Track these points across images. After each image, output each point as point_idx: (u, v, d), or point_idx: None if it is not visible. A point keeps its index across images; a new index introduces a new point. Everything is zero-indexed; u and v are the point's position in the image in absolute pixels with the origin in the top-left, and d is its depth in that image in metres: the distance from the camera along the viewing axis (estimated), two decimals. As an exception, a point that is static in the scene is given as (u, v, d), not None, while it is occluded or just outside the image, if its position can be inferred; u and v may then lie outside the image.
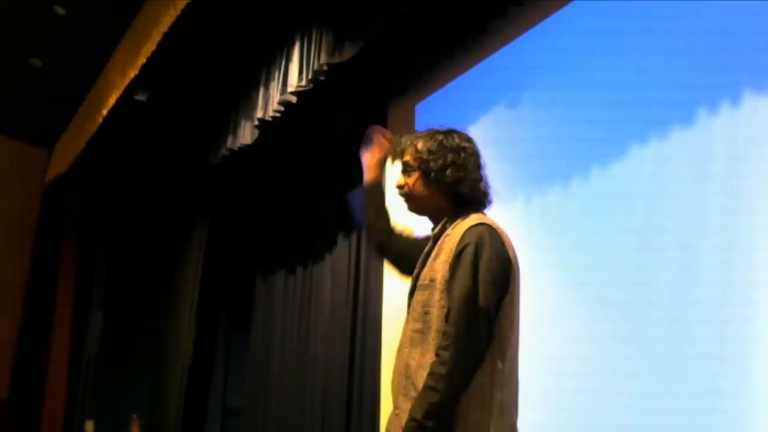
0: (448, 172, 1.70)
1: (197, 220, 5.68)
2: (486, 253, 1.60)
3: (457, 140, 1.76)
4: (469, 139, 1.80)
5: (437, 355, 1.55)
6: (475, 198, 1.74)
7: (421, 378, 1.60)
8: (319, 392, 4.38)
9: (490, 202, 1.80)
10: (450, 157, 1.72)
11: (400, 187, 1.80)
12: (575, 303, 2.70)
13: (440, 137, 1.76)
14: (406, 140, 1.80)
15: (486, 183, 1.78)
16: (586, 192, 2.78)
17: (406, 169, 1.78)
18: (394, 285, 3.68)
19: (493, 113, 3.36)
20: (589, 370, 2.55)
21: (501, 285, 1.61)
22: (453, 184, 1.71)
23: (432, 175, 1.72)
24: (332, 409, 4.24)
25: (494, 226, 1.69)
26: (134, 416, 5.46)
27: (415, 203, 1.79)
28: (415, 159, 1.75)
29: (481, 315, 1.56)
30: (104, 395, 5.98)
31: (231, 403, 5.94)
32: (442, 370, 1.52)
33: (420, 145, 1.75)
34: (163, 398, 5.56)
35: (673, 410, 2.26)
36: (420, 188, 1.76)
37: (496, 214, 1.83)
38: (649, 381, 2.36)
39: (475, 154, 1.78)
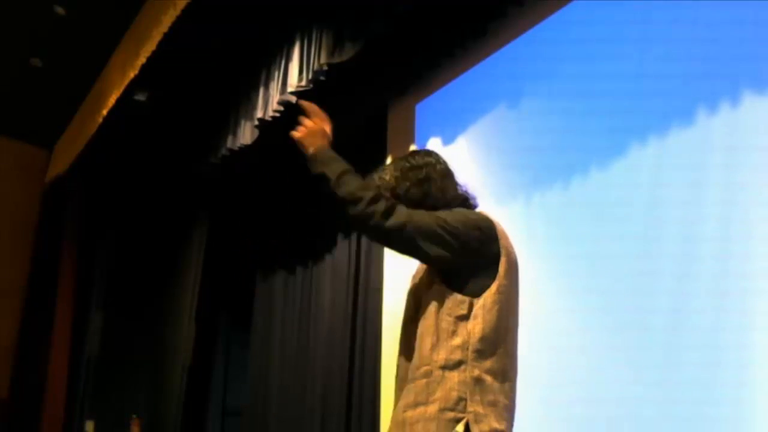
0: (413, 190, 1.78)
1: (197, 220, 5.68)
2: (461, 216, 1.66)
3: (417, 158, 1.85)
4: (430, 153, 1.89)
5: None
6: (448, 204, 1.78)
7: (412, 361, 1.64)
8: (319, 392, 4.38)
9: (474, 200, 1.84)
10: (412, 175, 1.80)
11: None
12: (574, 295, 2.70)
13: (402, 162, 1.85)
14: (374, 180, 1.87)
15: (459, 186, 1.83)
16: (586, 190, 2.79)
17: None
18: (395, 285, 3.68)
19: (493, 113, 3.36)
20: (587, 375, 2.55)
21: (456, 238, 1.62)
22: (421, 200, 1.77)
23: (402, 200, 1.77)
24: (332, 409, 4.24)
25: (486, 214, 1.74)
26: (134, 416, 5.46)
27: None
28: (386, 191, 1.82)
29: (411, 223, 1.61)
30: (104, 395, 5.98)
31: (231, 403, 5.95)
32: (362, 197, 1.62)
33: (387, 177, 1.83)
34: (163, 398, 5.56)
35: (671, 416, 2.26)
36: None
37: (495, 210, 1.84)
38: (646, 386, 2.36)
39: (439, 163, 1.84)
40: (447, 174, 1.83)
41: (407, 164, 1.83)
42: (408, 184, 1.78)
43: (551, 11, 3.06)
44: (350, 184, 1.63)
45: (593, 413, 2.49)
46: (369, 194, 1.62)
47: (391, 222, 1.60)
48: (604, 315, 2.56)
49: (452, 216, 1.65)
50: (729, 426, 2.11)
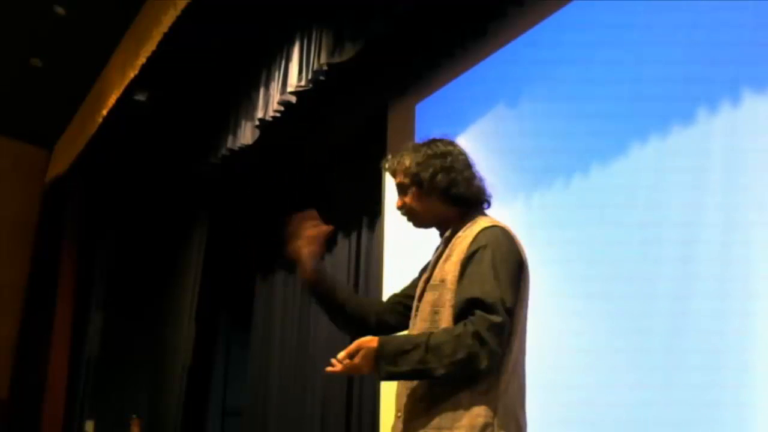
0: (439, 177, 1.72)
1: (197, 220, 5.68)
2: (503, 255, 1.60)
3: (440, 146, 1.78)
4: (452, 143, 1.83)
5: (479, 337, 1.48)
6: (473, 195, 1.75)
7: None
8: (319, 392, 4.38)
9: (490, 198, 1.80)
10: (437, 163, 1.73)
11: (399, 208, 1.82)
12: (575, 297, 2.70)
13: (424, 148, 1.78)
14: (393, 161, 1.82)
15: (480, 179, 1.79)
16: (586, 192, 2.79)
17: (401, 189, 1.80)
18: (394, 285, 3.68)
19: (493, 113, 3.36)
20: (589, 365, 2.55)
21: (516, 287, 1.61)
22: (447, 188, 1.72)
23: (425, 185, 1.73)
24: (332, 409, 4.24)
25: (507, 229, 1.69)
26: (134, 416, 5.46)
27: (418, 218, 1.80)
28: (406, 176, 1.77)
29: (511, 317, 1.55)
30: (104, 395, 5.98)
31: (231, 403, 5.95)
32: (468, 350, 1.48)
33: (407, 162, 1.77)
34: (163, 398, 5.56)
35: (674, 403, 2.26)
36: (417, 202, 1.77)
37: (496, 212, 1.83)
38: (649, 375, 2.36)
39: (462, 154, 1.79)
40: (469, 165, 1.78)
41: (429, 151, 1.76)
42: (432, 170, 1.72)
43: (551, 11, 3.06)
44: (437, 358, 1.50)
45: (594, 416, 2.49)
46: (453, 353, 1.49)
47: (493, 342, 1.49)
48: (604, 317, 2.56)
49: (506, 283, 1.56)
50: (732, 412, 2.10)
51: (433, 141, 1.82)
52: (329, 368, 1.59)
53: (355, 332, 1.77)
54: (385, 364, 1.53)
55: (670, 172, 2.46)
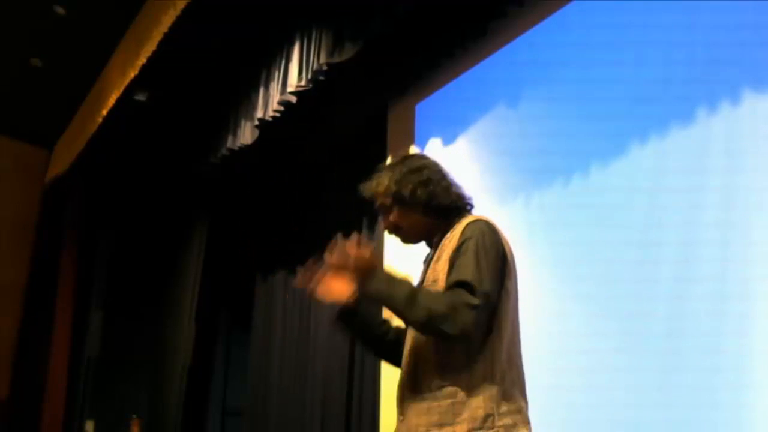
0: (419, 192, 1.77)
1: (197, 220, 5.68)
2: (486, 245, 1.64)
3: (415, 161, 1.84)
4: (424, 156, 1.91)
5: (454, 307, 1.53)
6: (453, 202, 1.79)
7: (428, 373, 1.62)
8: (319, 392, 4.38)
9: (470, 201, 1.85)
10: (415, 178, 1.78)
11: (386, 228, 1.87)
12: (573, 298, 2.70)
13: (399, 167, 1.83)
14: (371, 185, 1.86)
15: (457, 186, 1.84)
16: (586, 192, 2.79)
17: (384, 210, 1.85)
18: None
19: (493, 113, 3.36)
20: (587, 365, 2.55)
21: (500, 278, 1.64)
22: (428, 200, 1.77)
23: (407, 201, 1.78)
24: (332, 409, 4.24)
25: (491, 222, 1.73)
26: (134, 416, 5.46)
27: (405, 235, 1.85)
28: (386, 196, 1.81)
29: (488, 303, 1.58)
30: (104, 395, 5.98)
31: (231, 403, 5.95)
32: (443, 309, 1.53)
33: (386, 182, 1.81)
34: (163, 398, 5.56)
35: (672, 405, 2.26)
36: (403, 219, 1.81)
37: (495, 211, 1.85)
38: (647, 375, 2.36)
39: (436, 165, 1.84)
40: (445, 175, 1.83)
41: (405, 168, 1.81)
42: (411, 186, 1.77)
43: (551, 11, 3.07)
44: (417, 303, 1.56)
45: (592, 417, 2.49)
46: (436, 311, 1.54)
47: (467, 318, 1.53)
48: (603, 318, 2.56)
49: (486, 271, 1.60)
50: (730, 414, 2.11)
51: (406, 158, 1.89)
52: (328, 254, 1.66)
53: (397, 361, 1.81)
54: (376, 280, 1.61)
55: (669, 172, 2.46)
